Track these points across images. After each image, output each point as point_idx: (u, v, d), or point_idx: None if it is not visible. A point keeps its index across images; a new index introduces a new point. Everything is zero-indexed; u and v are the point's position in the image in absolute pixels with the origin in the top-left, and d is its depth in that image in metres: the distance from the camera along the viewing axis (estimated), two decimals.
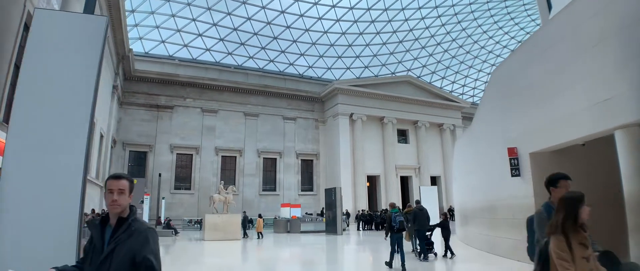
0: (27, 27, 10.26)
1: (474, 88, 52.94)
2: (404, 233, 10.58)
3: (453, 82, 49.77)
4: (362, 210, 31.24)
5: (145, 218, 25.89)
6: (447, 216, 12.25)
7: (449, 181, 41.85)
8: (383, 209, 31.20)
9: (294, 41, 37.53)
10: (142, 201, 16.68)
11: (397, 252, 9.72)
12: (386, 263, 9.95)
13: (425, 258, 11.04)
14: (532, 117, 9.38)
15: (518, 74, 10.39)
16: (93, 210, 18.00)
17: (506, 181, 10.37)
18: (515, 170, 9.91)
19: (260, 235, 21.08)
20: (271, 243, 19.09)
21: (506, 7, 42.61)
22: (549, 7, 19.40)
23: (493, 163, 11.47)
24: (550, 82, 8.72)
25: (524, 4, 42.89)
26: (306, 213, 30.49)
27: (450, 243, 11.69)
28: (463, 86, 51.37)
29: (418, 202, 12.13)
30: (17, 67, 9.69)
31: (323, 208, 29.16)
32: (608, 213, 6.79)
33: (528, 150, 9.56)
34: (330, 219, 23.49)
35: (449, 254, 11.36)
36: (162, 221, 25.34)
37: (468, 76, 50.65)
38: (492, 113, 11.97)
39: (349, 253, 14.60)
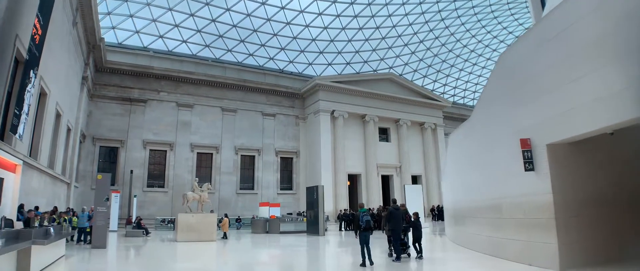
0: None
1: (454, 88, 52.80)
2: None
3: (434, 81, 49.44)
4: (344, 210, 30.33)
5: (114, 217, 24.50)
6: (418, 216, 11.76)
7: (430, 180, 41.66)
8: (368, 208, 30.49)
9: (275, 35, 36.37)
10: (107, 199, 15.32)
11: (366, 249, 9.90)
12: (361, 265, 9.79)
13: (398, 259, 10.59)
14: (550, 103, 8.48)
15: (532, 58, 9.44)
16: (56, 208, 16.60)
17: (515, 176, 9.52)
18: (529, 164, 8.96)
19: (225, 235, 19.90)
20: (249, 244, 17.98)
21: (490, 5, 42.38)
22: (542, 5, 18.94)
23: (498, 157, 10.66)
24: (571, 65, 7.87)
25: (507, 4, 42.76)
26: (286, 213, 29.48)
27: (423, 244, 11.29)
28: (444, 85, 51.11)
29: (394, 201, 11.56)
30: None
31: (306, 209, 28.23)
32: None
33: (544, 141, 8.67)
34: (311, 219, 22.48)
35: (418, 254, 11.07)
36: (133, 221, 23.90)
37: (449, 75, 50.41)
38: (499, 102, 11.00)
39: (333, 255, 13.58)
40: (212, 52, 35.19)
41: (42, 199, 16.33)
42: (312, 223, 22.27)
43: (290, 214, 29.31)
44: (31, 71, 11.40)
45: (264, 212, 27.72)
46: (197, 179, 20.67)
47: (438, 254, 13.35)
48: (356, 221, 10.37)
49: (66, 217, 14.91)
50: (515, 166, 9.35)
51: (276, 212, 27.18)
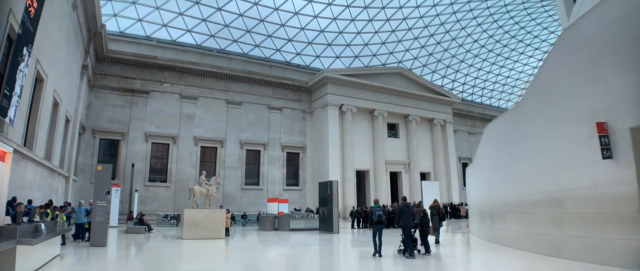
0: None
1: (463, 84, 51.57)
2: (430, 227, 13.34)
3: (443, 77, 48.18)
4: (357, 206, 29.25)
5: (114, 212, 23.37)
6: (426, 213, 12.20)
7: (439, 177, 40.45)
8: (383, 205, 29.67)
9: (282, 25, 35.08)
10: (108, 192, 14.12)
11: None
12: (373, 254, 10.86)
13: (412, 255, 10.60)
14: (637, 80, 7.29)
15: (613, 28, 8.14)
16: (51, 201, 15.42)
17: (583, 165, 8.35)
18: (607, 151, 7.74)
19: (227, 232, 18.59)
20: (261, 243, 16.75)
21: (506, 5, 41.12)
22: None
23: (559, 145, 9.45)
24: None
25: (523, 3, 41.50)
26: (294, 209, 28.31)
27: (453, 242, 10.17)
28: (453, 81, 49.86)
29: (404, 198, 11.95)
30: None
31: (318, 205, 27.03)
32: None
33: (626, 124, 7.50)
34: (324, 216, 21.27)
35: (424, 251, 11.33)
36: (134, 216, 22.75)
37: (458, 71, 49.13)
38: (563, 83, 9.64)
39: (360, 257, 12.21)
40: (218, 42, 33.94)
41: (37, 192, 15.19)
42: (325, 220, 21.10)
43: (299, 210, 28.10)
44: (25, 48, 10.22)
45: (273, 208, 26.55)
46: (204, 172, 19.43)
47: (480, 253, 12.18)
48: (370, 217, 10.92)
49: (59, 213, 13.66)
50: (583, 154, 8.17)
51: (284, 208, 26.01)
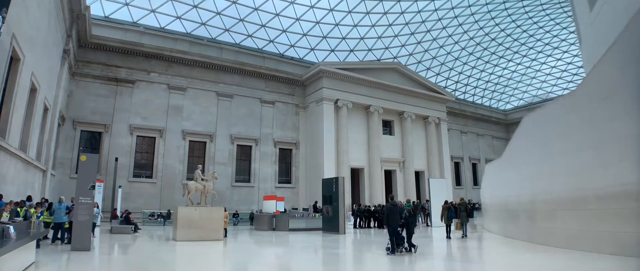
0: None
1: (456, 82, 50.73)
2: (455, 221, 16.35)
3: (437, 75, 47.19)
4: (359, 205, 27.99)
5: (98, 210, 21.45)
6: (412, 212, 12.27)
7: (433, 176, 39.20)
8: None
9: (277, 14, 33.45)
10: (93, 187, 12.36)
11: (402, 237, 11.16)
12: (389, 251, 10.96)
13: (393, 252, 10.84)
14: None
15: None
16: (30, 197, 13.68)
17: None
18: None
19: (225, 233, 16.91)
20: (265, 245, 15.09)
21: (504, 1, 40.24)
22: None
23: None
24: None
25: (521, 2, 40.70)
26: (292, 208, 26.82)
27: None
28: (446, 79, 48.95)
29: (392, 198, 12.08)
30: None
31: (316, 202, 25.52)
32: None
33: None
34: (329, 216, 19.82)
35: (412, 249, 11.27)
36: (119, 214, 20.96)
37: (453, 69, 48.21)
38: None
39: (393, 261, 10.69)
40: (208, 31, 32.16)
41: (11, 187, 13.43)
42: (330, 220, 19.67)
43: (296, 209, 26.62)
44: None
45: (269, 206, 24.98)
46: (200, 166, 17.78)
47: (533, 255, 10.72)
48: (386, 216, 11.28)
49: (33, 211, 11.92)
50: None
51: (280, 207, 24.51)
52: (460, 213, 16.21)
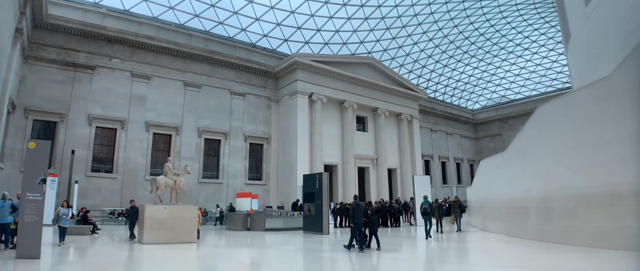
0: None
1: (428, 80, 50.49)
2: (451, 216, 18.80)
3: (410, 72, 46.67)
4: (341, 202, 26.74)
5: (50, 205, 19.17)
6: (374, 211, 13.71)
7: (405, 174, 38.86)
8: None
9: (250, 2, 31.73)
10: (43, 180, 10.43)
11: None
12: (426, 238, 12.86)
13: (361, 249, 11.26)
14: None
15: None
16: None
17: None
18: None
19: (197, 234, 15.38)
20: (245, 248, 13.51)
21: (480, 2, 40.04)
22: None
23: None
24: None
25: (499, 6, 40.67)
26: (266, 206, 25.30)
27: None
28: (418, 76, 48.55)
29: (356, 197, 12.78)
30: None
31: (297, 200, 24.05)
32: None
33: None
34: (311, 214, 18.44)
35: (377, 245, 11.71)
36: (76, 213, 18.86)
37: (425, 67, 47.85)
38: None
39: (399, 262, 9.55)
40: (177, 16, 30.08)
41: None
42: (312, 219, 18.30)
43: (270, 207, 25.12)
44: None
45: (243, 204, 23.41)
46: (170, 158, 16.04)
47: (552, 255, 9.75)
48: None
49: None
50: None
51: (255, 205, 22.98)
52: (455, 210, 18.37)
